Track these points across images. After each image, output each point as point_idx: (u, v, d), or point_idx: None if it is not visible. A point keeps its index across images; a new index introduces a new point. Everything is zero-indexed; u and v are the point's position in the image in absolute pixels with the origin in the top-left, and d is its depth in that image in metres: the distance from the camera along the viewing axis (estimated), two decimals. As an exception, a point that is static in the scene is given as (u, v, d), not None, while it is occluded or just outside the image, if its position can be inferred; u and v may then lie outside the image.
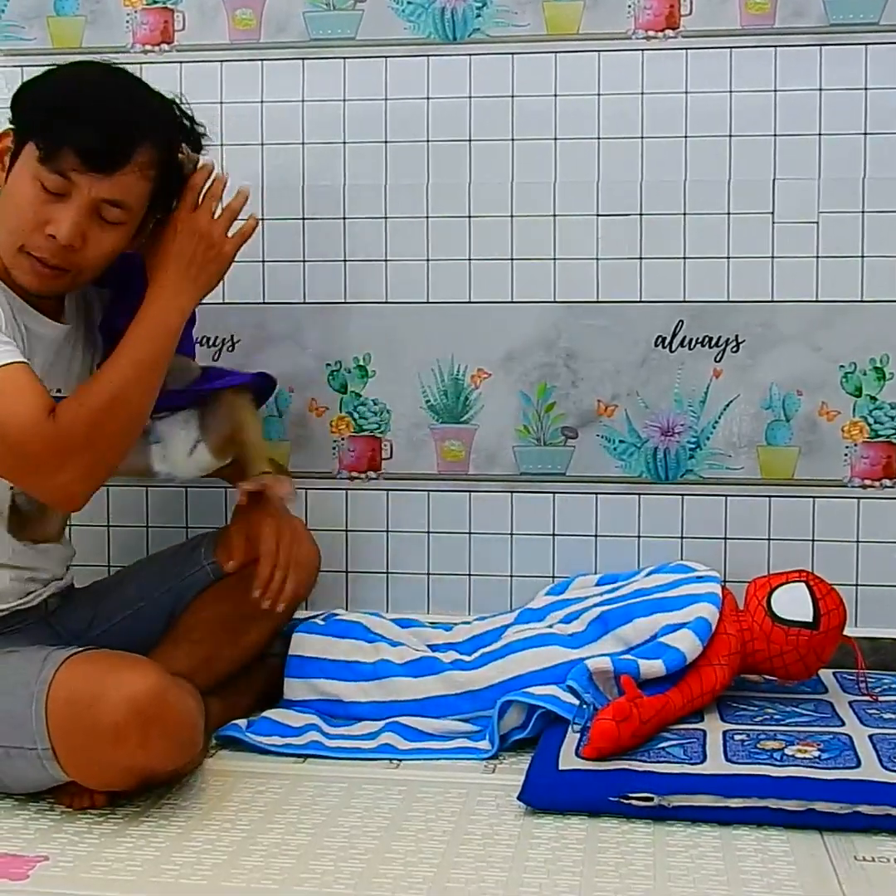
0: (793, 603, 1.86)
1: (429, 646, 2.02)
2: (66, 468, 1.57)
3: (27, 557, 1.76)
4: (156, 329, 1.68)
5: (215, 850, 1.47)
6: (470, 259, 2.17)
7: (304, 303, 2.20)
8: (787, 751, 1.63)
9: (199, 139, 1.76)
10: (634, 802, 1.53)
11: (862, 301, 2.10)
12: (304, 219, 2.19)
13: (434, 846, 1.47)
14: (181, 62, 2.18)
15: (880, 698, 1.88)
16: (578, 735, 1.70)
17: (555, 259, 2.15)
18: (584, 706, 1.71)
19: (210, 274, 1.75)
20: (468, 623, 2.10)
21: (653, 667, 1.77)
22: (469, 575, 2.20)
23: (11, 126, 1.64)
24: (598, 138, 2.14)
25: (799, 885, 1.35)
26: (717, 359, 2.13)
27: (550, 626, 1.97)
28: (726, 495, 2.14)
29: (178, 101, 1.72)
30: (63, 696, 1.53)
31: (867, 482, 2.12)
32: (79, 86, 1.63)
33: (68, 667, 1.56)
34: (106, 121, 1.59)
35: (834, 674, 2.00)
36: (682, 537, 2.15)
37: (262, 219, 2.15)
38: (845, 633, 1.91)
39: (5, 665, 1.62)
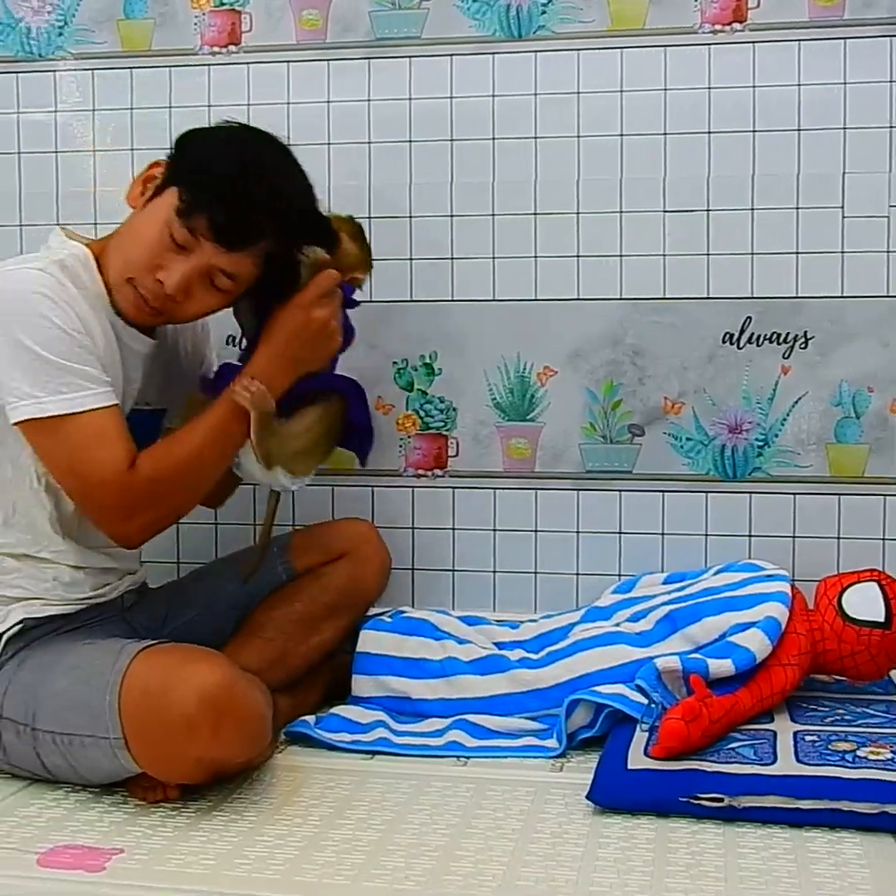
0: (864, 602, 1.84)
1: (495, 643, 2.02)
2: (133, 520, 1.66)
3: (98, 553, 1.79)
4: (227, 413, 1.71)
5: (287, 845, 1.49)
6: (536, 256, 2.17)
7: (372, 301, 2.20)
8: (859, 752, 1.61)
9: (332, 242, 1.81)
10: (704, 803, 1.52)
11: (932, 293, 2.08)
12: (370, 218, 2.20)
13: (503, 844, 1.48)
14: (248, 63, 2.21)
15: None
16: (647, 734, 1.70)
17: (621, 256, 2.15)
18: (653, 705, 1.71)
19: (315, 358, 1.77)
20: (535, 621, 2.11)
21: (722, 666, 1.76)
22: (535, 573, 2.21)
23: (167, 160, 1.71)
24: (664, 134, 2.13)
25: (872, 890, 1.33)
26: (786, 355, 2.12)
27: (617, 625, 1.97)
28: (795, 493, 2.12)
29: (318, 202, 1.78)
30: (137, 688, 1.56)
31: (925, 475, 2.10)
32: (239, 161, 1.67)
33: (142, 658, 1.59)
34: (246, 207, 1.65)
35: (907, 673, 1.97)
36: (749, 536, 2.14)
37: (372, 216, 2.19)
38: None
39: (82, 656, 1.65)
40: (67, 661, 1.65)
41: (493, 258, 2.18)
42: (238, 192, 1.65)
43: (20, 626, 1.70)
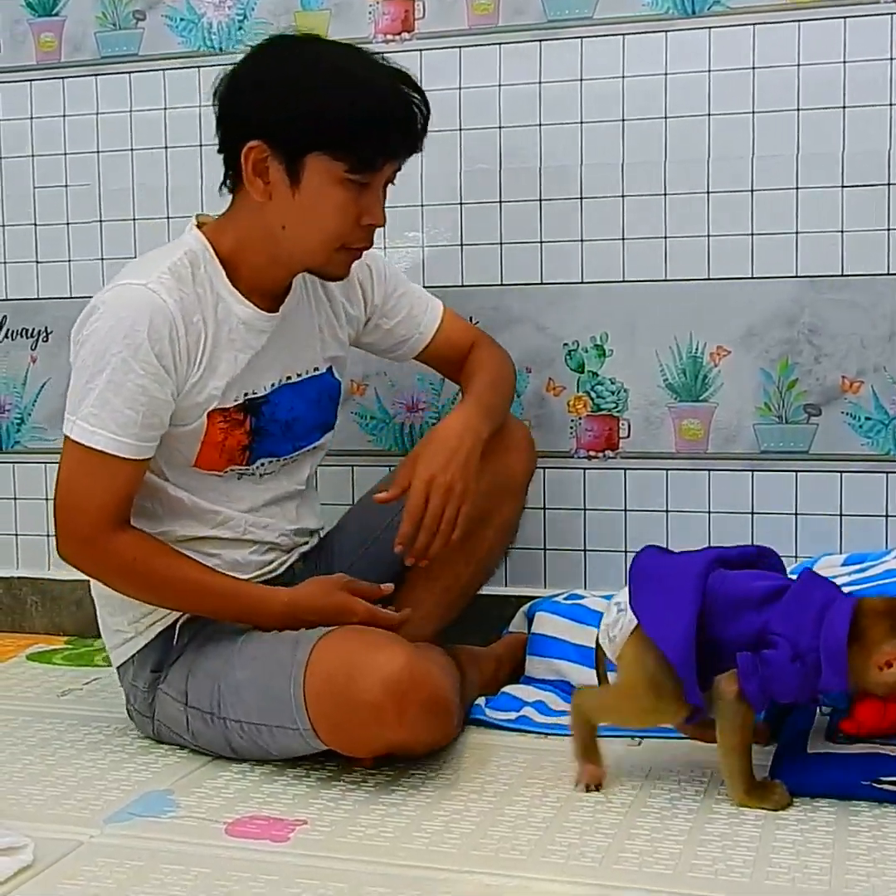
0: None
1: None
2: (77, 556, 1.70)
3: (260, 527, 1.82)
4: (256, 611, 1.73)
5: (463, 819, 1.52)
6: (708, 235, 2.14)
7: (542, 283, 2.22)
8: None
9: None
10: (887, 787, 1.50)
11: None
12: (540, 200, 2.21)
13: (679, 824, 1.48)
14: (421, 50, 2.22)
15: None
16: (827, 719, 1.67)
17: (796, 233, 2.10)
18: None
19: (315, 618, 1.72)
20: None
21: None
22: (710, 556, 2.18)
23: (263, 140, 1.67)
24: (844, 107, 2.08)
25: None
26: (971, 331, 2.05)
27: None
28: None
29: None
30: (320, 677, 1.60)
31: None
32: (355, 82, 1.64)
33: (323, 647, 1.62)
34: (406, 117, 1.67)
35: None
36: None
37: (500, 201, 2.19)
38: None
39: (260, 646, 1.70)
40: (246, 651, 1.70)
41: (665, 238, 2.16)
42: (386, 111, 1.65)
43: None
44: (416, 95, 1.68)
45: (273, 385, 1.79)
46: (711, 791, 1.57)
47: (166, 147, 2.37)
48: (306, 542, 1.94)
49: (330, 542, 2.00)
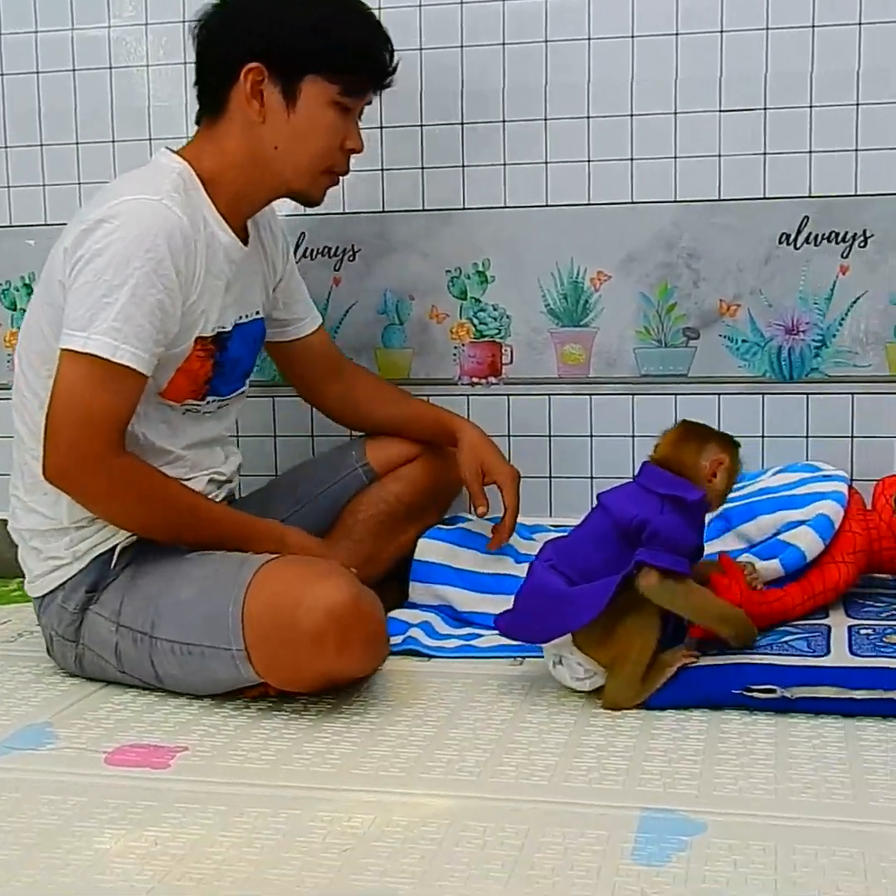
0: None
1: None
2: (70, 472, 1.64)
3: (198, 468, 1.81)
4: (259, 538, 1.72)
5: (344, 740, 1.52)
6: (588, 160, 2.13)
7: (424, 210, 2.20)
8: (913, 646, 1.61)
9: None
10: (757, 695, 1.53)
11: None
12: (421, 125, 2.18)
13: (556, 737, 1.49)
14: None
15: None
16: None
17: (675, 157, 2.10)
18: None
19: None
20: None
21: (769, 567, 1.75)
22: (591, 477, 2.20)
23: (262, 63, 1.70)
24: (721, 31, 2.07)
25: (923, 774, 1.34)
26: (844, 255, 2.07)
27: None
28: (853, 393, 2.08)
29: None
30: (262, 601, 1.58)
31: None
32: (351, 12, 1.77)
33: (267, 571, 1.60)
34: (390, 52, 1.79)
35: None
36: (807, 437, 2.11)
37: (380, 127, 2.16)
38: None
39: (205, 566, 1.67)
40: (190, 572, 1.67)
41: (546, 163, 2.15)
42: (378, 42, 1.77)
43: (134, 538, 1.73)
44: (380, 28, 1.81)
45: (234, 322, 1.79)
46: (588, 706, 1.59)
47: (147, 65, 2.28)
48: (234, 480, 1.93)
49: (265, 494, 2.03)
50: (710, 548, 1.83)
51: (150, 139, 2.26)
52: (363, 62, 1.76)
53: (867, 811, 1.26)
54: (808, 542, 1.78)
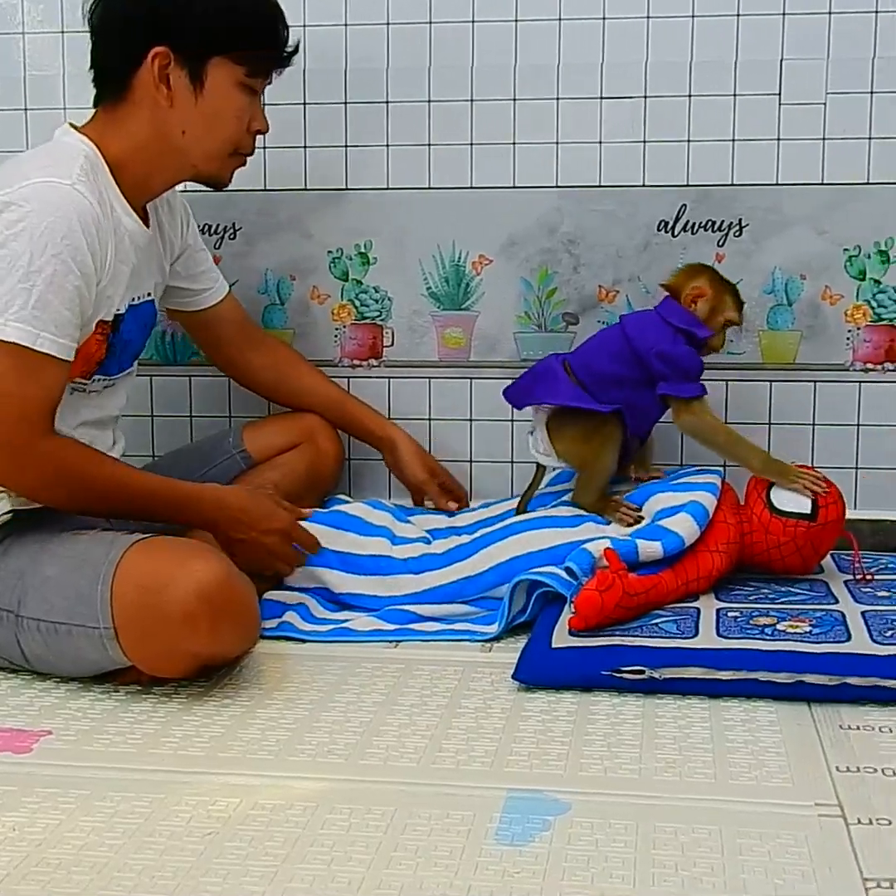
0: (792, 497, 1.84)
1: (430, 531, 2.01)
2: (13, 473, 1.62)
3: (94, 434, 1.78)
4: (185, 508, 1.71)
5: (214, 724, 1.49)
6: (472, 144, 2.13)
7: (306, 189, 2.18)
8: (778, 626, 1.63)
9: None
10: (626, 676, 1.53)
11: (868, 183, 2.06)
12: (305, 104, 2.16)
13: (428, 720, 1.48)
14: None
15: (876, 577, 1.88)
16: (572, 615, 1.70)
17: (557, 143, 2.11)
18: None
19: (241, 548, 1.74)
20: (473, 509, 2.10)
21: (651, 548, 1.76)
22: (470, 461, 2.20)
23: (168, 46, 1.67)
24: (604, 19, 2.08)
25: (784, 752, 1.36)
26: (720, 243, 2.10)
27: (555, 507, 1.97)
28: (727, 380, 2.11)
29: None
30: (131, 580, 1.53)
31: (869, 366, 2.10)
32: (267, 2, 1.76)
33: (137, 550, 1.56)
34: (286, 26, 1.78)
35: (831, 555, 1.99)
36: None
37: (265, 104, 2.12)
38: (847, 517, 1.89)
39: (74, 545, 1.62)
40: (58, 549, 1.62)
41: (429, 145, 2.14)
42: (281, 20, 1.76)
43: (8, 515, 1.67)
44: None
45: (128, 304, 1.75)
46: (461, 688, 1.59)
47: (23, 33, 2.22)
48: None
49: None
50: (588, 532, 1.86)
51: (25, 109, 2.21)
52: (268, 42, 1.75)
53: (727, 789, 1.28)
54: (686, 528, 1.79)
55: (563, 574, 1.77)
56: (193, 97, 1.70)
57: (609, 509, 1.90)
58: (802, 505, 1.83)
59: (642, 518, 1.88)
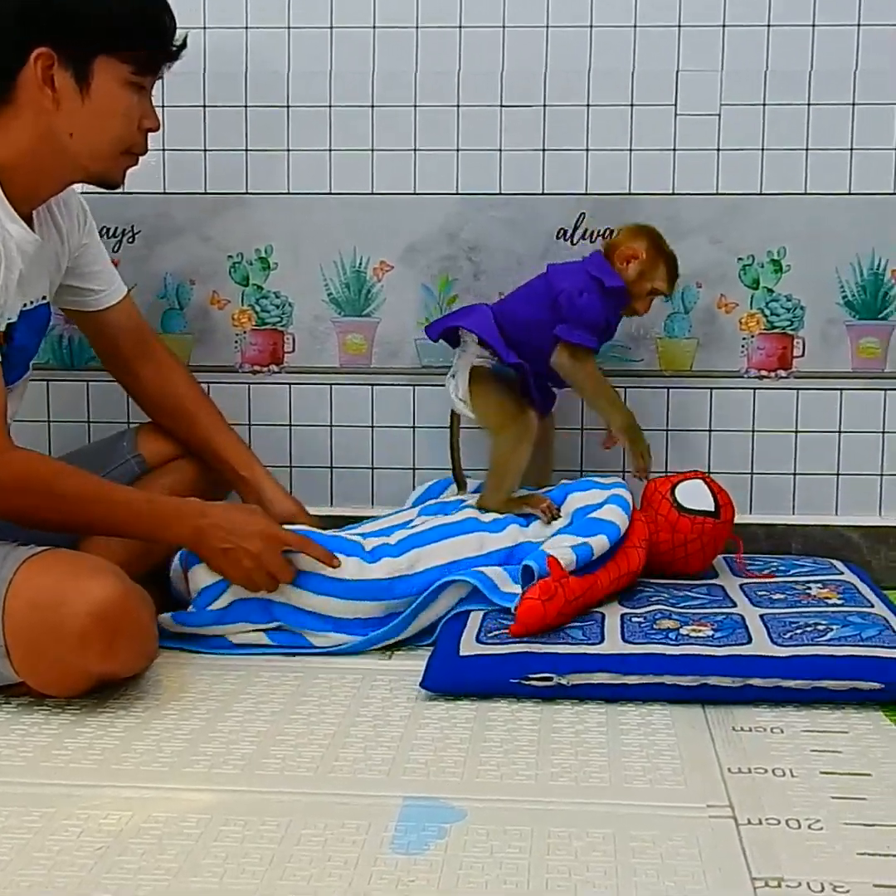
0: (695, 496, 1.92)
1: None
2: None
3: None
4: (156, 522, 1.68)
5: (107, 735, 1.46)
6: (373, 149, 2.12)
7: (206, 193, 2.15)
8: (682, 630, 1.65)
9: None
10: (534, 683, 1.54)
11: (761, 194, 2.09)
12: (205, 106, 2.13)
13: (325, 728, 1.47)
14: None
15: (773, 577, 1.93)
16: (480, 621, 1.71)
17: (457, 150, 2.11)
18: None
19: (227, 559, 1.71)
20: (376, 518, 2.07)
21: (600, 542, 1.77)
22: (372, 468, 2.19)
23: (51, 47, 1.61)
24: (503, 27, 2.09)
25: (678, 755, 1.37)
26: (619, 251, 2.11)
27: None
28: (626, 387, 2.12)
29: None
30: (24, 597, 1.49)
31: (763, 373, 2.13)
32: None
33: (29, 566, 1.51)
34: (175, 26, 1.73)
35: (724, 559, 2.03)
36: (582, 429, 2.15)
37: (164, 105, 2.09)
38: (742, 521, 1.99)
39: None
40: None
41: (330, 151, 2.12)
42: (166, 14, 1.71)
43: None
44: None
45: (19, 310, 1.70)
46: (360, 696, 1.58)
47: None
48: None
49: None
50: (513, 535, 1.86)
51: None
52: (154, 38, 1.70)
53: (621, 793, 1.29)
54: (618, 517, 1.82)
55: (494, 577, 1.77)
56: (80, 98, 1.64)
57: (532, 503, 1.90)
58: (706, 503, 1.91)
59: (560, 515, 1.88)
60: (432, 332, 2.00)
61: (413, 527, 1.88)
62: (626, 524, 1.83)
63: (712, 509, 1.91)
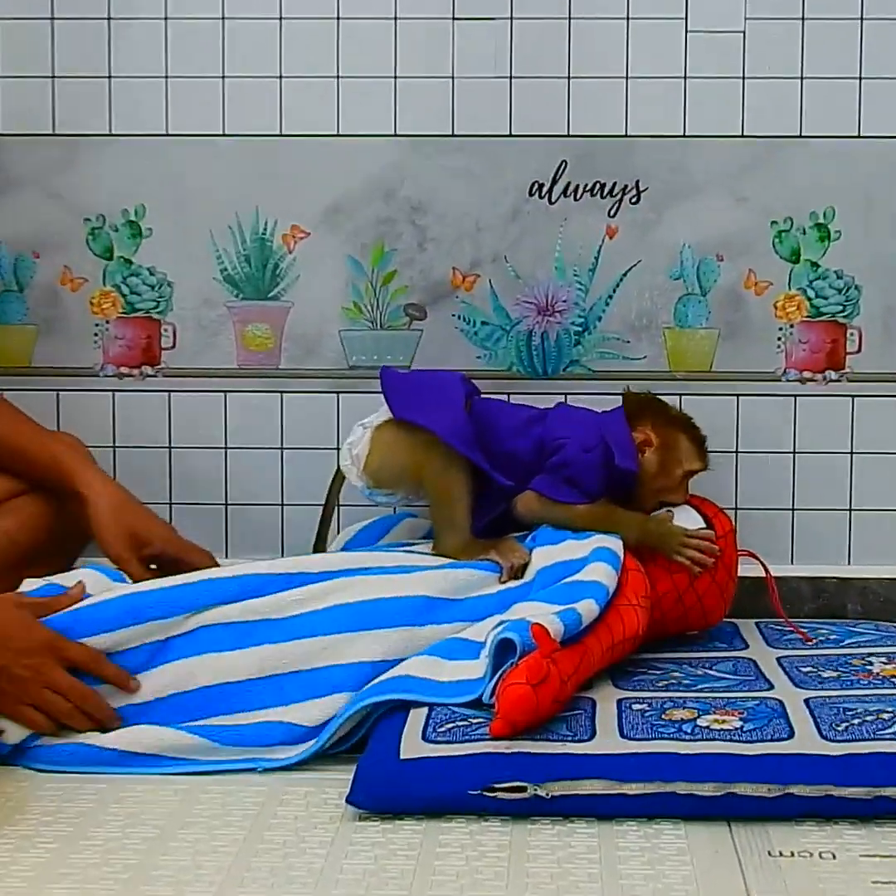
0: (678, 518, 1.96)
1: None
2: None
3: None
4: None
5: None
6: (281, 76, 2.12)
7: (55, 135, 2.14)
8: (699, 721, 1.64)
9: None
10: (501, 795, 1.51)
11: (801, 136, 2.10)
12: (53, 19, 2.12)
13: (217, 861, 1.44)
14: None
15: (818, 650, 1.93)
16: (425, 713, 1.69)
17: (395, 77, 2.12)
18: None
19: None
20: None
21: (589, 607, 1.76)
22: (282, 505, 2.19)
23: None
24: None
25: (695, 890, 1.34)
26: (612, 212, 2.12)
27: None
28: (623, 394, 2.11)
29: None
30: None
31: (807, 375, 2.14)
32: None
33: None
34: None
35: (756, 624, 2.03)
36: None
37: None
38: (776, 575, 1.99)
39: None
40: None
41: (223, 77, 2.13)
42: None
43: None
44: None
45: None
46: (264, 816, 1.55)
47: None
48: None
49: None
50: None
51: None
52: None
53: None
54: (605, 576, 1.82)
55: (422, 671, 1.75)
56: None
57: (502, 551, 1.92)
58: (692, 521, 1.96)
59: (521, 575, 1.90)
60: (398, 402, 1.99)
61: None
62: (615, 580, 1.83)
63: (704, 525, 1.96)
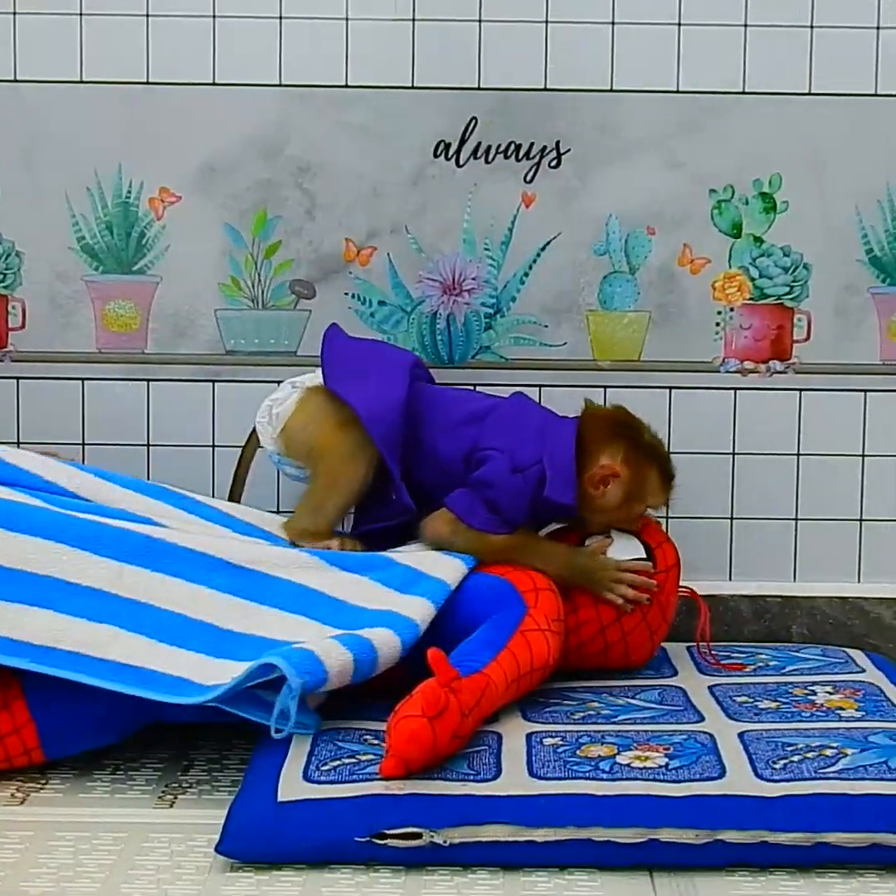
0: (617, 544, 1.98)
1: None
2: None
3: None
4: None
5: None
6: (148, 15, 2.13)
7: None
8: (619, 758, 1.66)
9: None
10: (393, 842, 1.53)
11: (744, 92, 2.13)
12: None
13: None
14: None
15: (752, 678, 1.96)
16: (307, 749, 1.71)
17: (280, 18, 2.13)
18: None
19: None
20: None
21: (423, 607, 1.82)
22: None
23: None
24: None
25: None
26: (528, 178, 2.14)
27: None
28: (540, 384, 2.15)
29: None
30: None
31: (748, 365, 2.17)
32: None
33: None
34: None
35: (688, 648, 2.05)
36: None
37: None
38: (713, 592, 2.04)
39: None
40: None
41: (80, 15, 2.13)
42: None
43: None
44: None
45: None
46: (122, 864, 1.56)
47: None
48: None
49: None
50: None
51: None
52: None
53: None
54: (447, 570, 1.89)
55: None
56: None
57: (346, 548, 1.96)
58: (632, 549, 1.98)
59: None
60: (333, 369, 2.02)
61: None
62: (462, 573, 1.89)
63: (644, 556, 1.96)
